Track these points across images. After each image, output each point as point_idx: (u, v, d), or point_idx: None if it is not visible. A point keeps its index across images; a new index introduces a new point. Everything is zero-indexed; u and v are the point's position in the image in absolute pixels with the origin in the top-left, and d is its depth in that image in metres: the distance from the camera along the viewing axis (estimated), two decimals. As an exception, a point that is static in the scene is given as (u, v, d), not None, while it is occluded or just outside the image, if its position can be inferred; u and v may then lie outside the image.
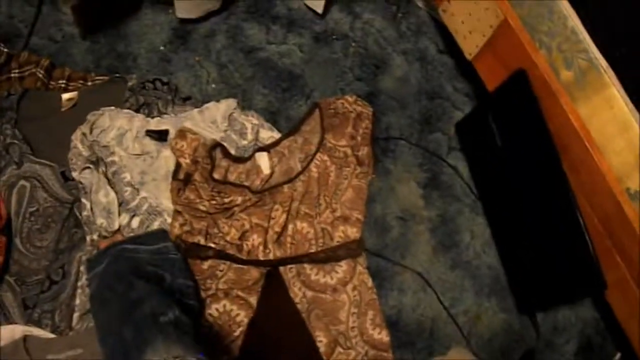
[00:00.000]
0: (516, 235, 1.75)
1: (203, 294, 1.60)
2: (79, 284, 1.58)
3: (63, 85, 1.84)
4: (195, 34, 1.97)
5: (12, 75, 1.83)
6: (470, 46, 1.74)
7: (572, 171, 1.50)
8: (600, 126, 1.42)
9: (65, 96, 1.77)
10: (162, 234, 1.60)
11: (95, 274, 1.48)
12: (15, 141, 1.70)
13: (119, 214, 1.64)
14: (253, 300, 1.61)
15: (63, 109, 1.77)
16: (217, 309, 1.60)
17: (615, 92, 1.37)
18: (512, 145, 1.68)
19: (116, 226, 1.62)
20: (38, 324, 1.57)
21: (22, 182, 1.67)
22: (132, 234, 1.62)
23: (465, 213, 1.83)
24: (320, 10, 1.96)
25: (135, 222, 1.64)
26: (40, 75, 1.82)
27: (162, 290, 1.42)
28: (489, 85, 1.72)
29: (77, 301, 1.57)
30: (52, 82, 1.84)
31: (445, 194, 1.84)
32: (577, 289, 1.62)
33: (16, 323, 1.57)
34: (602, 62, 1.39)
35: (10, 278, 1.62)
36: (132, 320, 1.30)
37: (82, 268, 1.58)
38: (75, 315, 1.56)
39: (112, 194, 1.65)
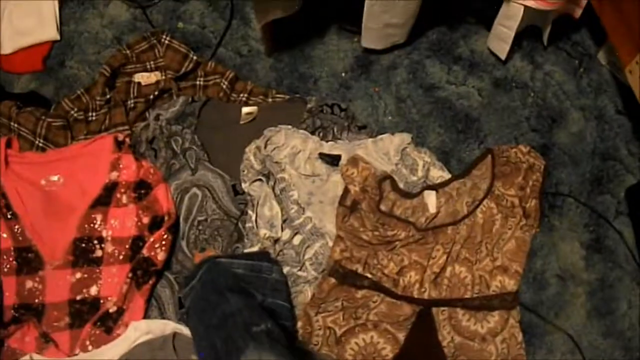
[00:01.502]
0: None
1: (352, 323, 1.62)
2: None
3: (244, 99, 1.90)
4: (377, 65, 2.01)
5: (197, 82, 1.92)
6: (653, 111, 1.70)
7: None
8: None
9: (245, 110, 1.83)
10: (261, 254, 1.63)
11: (191, 287, 1.52)
12: (194, 146, 1.76)
13: (282, 229, 1.67)
14: (401, 336, 1.61)
15: (242, 122, 1.83)
16: (364, 339, 1.61)
17: None
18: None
19: (279, 235, 1.66)
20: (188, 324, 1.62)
21: (195, 190, 1.74)
22: (291, 250, 1.66)
23: (625, 281, 1.78)
24: (503, 56, 1.96)
25: (296, 240, 1.68)
26: (224, 86, 1.89)
27: (255, 304, 1.44)
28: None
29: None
30: (234, 95, 1.91)
31: (608, 258, 1.80)
32: None
33: (169, 319, 1.62)
34: None
35: (170, 275, 1.68)
36: (225, 331, 1.32)
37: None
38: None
39: (277, 208, 1.69)
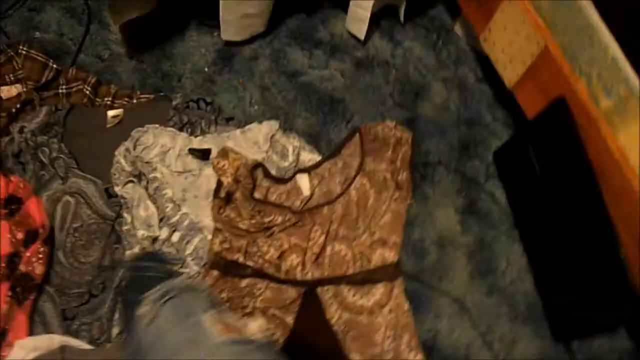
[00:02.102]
0: (553, 263, 1.75)
1: (240, 312, 1.61)
2: (119, 298, 1.60)
3: (109, 103, 1.88)
4: (239, 56, 2.01)
5: (60, 91, 1.88)
6: (510, 75, 1.75)
7: (612, 199, 1.49)
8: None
9: (111, 113, 1.81)
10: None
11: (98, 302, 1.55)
12: (61, 155, 1.73)
13: (160, 228, 1.66)
14: (289, 319, 1.62)
15: (108, 126, 1.80)
16: (253, 328, 1.61)
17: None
18: (550, 172, 1.68)
19: (157, 234, 1.65)
20: (76, 335, 1.60)
21: (67, 197, 1.71)
22: (171, 248, 1.65)
23: (502, 240, 1.83)
24: (362, 36, 1.98)
25: (175, 237, 1.67)
26: (87, 92, 1.86)
27: None
28: (528, 113, 1.73)
29: (117, 315, 1.59)
30: (98, 99, 1.88)
31: (482, 220, 1.85)
32: (615, 317, 1.62)
33: (55, 333, 1.59)
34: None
35: (50, 288, 1.64)
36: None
37: (122, 283, 1.60)
38: (114, 329, 1.59)
39: (152, 208, 1.68)
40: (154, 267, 1.54)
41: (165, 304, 1.20)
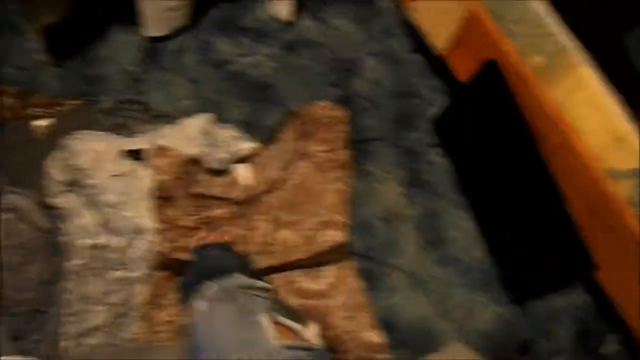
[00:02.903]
0: (502, 227, 1.75)
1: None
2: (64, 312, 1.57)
3: (37, 113, 1.83)
4: (165, 51, 1.97)
5: (-16, 107, 1.83)
6: (440, 41, 1.75)
7: (552, 156, 1.50)
8: (575, 108, 1.42)
9: (40, 123, 1.77)
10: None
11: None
12: (-7, 174, 1.69)
13: (99, 235, 1.63)
14: (243, 311, 1.60)
15: (39, 137, 1.76)
16: (208, 324, 1.58)
17: (587, 71, 1.36)
18: (489, 136, 1.68)
19: (98, 241, 1.61)
20: (30, 353, 1.56)
21: (4, 215, 1.66)
22: (114, 253, 1.62)
23: (449, 209, 1.83)
24: (286, 17, 1.96)
25: (117, 242, 1.63)
26: (12, 105, 1.81)
27: None
28: (461, 78, 1.72)
29: (63, 330, 1.56)
30: (25, 111, 1.83)
31: (428, 191, 1.84)
32: (567, 273, 1.62)
33: (7, 355, 1.56)
34: (571, 43, 1.39)
35: (-4, 310, 1.61)
36: None
37: (67, 296, 1.57)
38: (62, 343, 1.56)
39: (88, 216, 1.65)
40: (219, 256, 1.50)
41: (224, 301, 1.18)
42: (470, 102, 1.74)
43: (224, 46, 1.98)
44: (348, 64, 1.99)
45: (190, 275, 1.38)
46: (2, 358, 1.51)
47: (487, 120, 1.68)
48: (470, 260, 1.79)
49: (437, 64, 1.85)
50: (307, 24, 2.04)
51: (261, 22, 2.03)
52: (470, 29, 1.64)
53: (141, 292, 1.62)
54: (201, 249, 1.48)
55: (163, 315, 1.60)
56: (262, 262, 1.62)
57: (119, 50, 1.96)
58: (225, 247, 1.52)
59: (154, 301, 1.60)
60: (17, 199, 1.68)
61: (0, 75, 1.91)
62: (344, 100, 1.92)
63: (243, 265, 1.45)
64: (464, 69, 1.71)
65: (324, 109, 1.76)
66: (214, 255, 1.46)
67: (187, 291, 1.28)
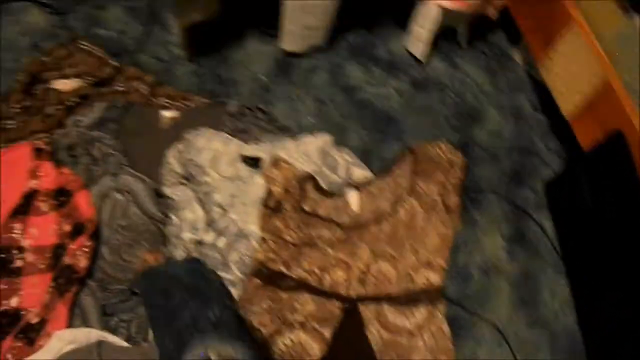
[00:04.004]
0: (598, 300, 1.73)
1: (279, 323, 1.61)
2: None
3: (165, 104, 1.88)
4: (297, 68, 2.02)
5: (117, 88, 1.90)
6: (568, 105, 1.74)
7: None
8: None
9: (166, 114, 1.82)
10: (193, 260, 1.60)
11: (139, 301, 1.53)
12: (114, 152, 1.74)
13: (206, 232, 1.67)
14: (328, 334, 1.61)
15: (163, 126, 1.81)
16: (291, 339, 1.60)
17: None
18: (603, 207, 1.66)
19: (203, 238, 1.65)
20: (114, 331, 1.59)
21: (116, 194, 1.71)
22: (215, 253, 1.65)
23: (547, 272, 1.82)
24: (420, 56, 1.98)
25: (221, 242, 1.67)
26: (144, 92, 1.88)
27: (201, 295, 1.43)
28: (584, 145, 1.71)
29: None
30: (155, 100, 1.89)
31: (529, 250, 1.84)
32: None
33: (93, 327, 1.60)
34: None
35: (92, 283, 1.65)
36: (173, 329, 1.31)
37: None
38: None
39: (200, 212, 1.68)
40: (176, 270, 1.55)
41: None
42: (589, 171, 1.73)
43: (355, 72, 2.02)
44: (472, 111, 2.00)
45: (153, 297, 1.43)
46: (87, 329, 1.56)
47: (604, 192, 1.67)
48: (560, 326, 1.77)
49: (560, 126, 1.84)
50: (438, 65, 2.06)
51: (394, 54, 2.06)
52: (601, 98, 1.63)
53: (233, 295, 1.64)
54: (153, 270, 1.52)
55: (248, 322, 1.62)
56: (357, 289, 1.63)
57: (253, 58, 2.02)
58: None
59: (241, 305, 1.62)
60: (133, 181, 1.73)
61: (137, 61, 1.98)
62: (463, 146, 1.92)
63: None
64: (588, 136, 1.70)
65: (443, 151, 1.77)
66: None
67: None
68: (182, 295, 1.36)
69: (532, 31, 1.84)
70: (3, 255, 1.60)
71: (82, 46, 1.91)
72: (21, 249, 1.61)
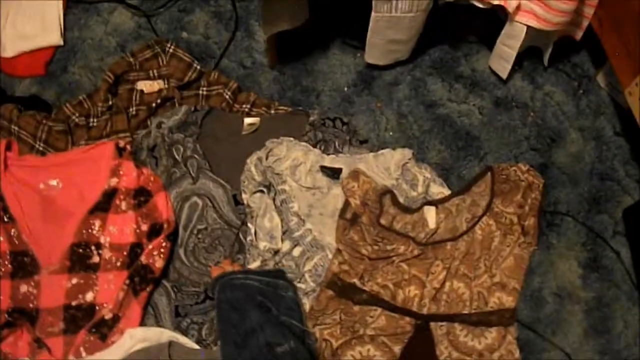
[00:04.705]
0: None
1: (349, 335, 1.62)
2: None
3: (247, 110, 1.91)
4: (379, 80, 2.02)
5: (200, 92, 1.92)
6: (653, 133, 1.72)
7: None
8: None
9: (248, 120, 1.83)
10: (277, 272, 1.62)
11: (212, 305, 1.56)
12: (195, 155, 1.77)
13: (282, 241, 1.68)
14: (397, 349, 1.61)
15: (244, 133, 1.83)
16: (360, 352, 1.61)
17: None
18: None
19: (279, 246, 1.66)
20: (185, 332, 1.63)
21: (195, 198, 1.74)
22: (290, 262, 1.66)
23: (621, 300, 1.79)
24: (504, 75, 1.97)
25: (296, 252, 1.69)
26: (227, 97, 1.90)
27: (275, 320, 1.44)
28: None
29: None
30: (237, 105, 1.92)
31: (604, 277, 1.81)
32: None
33: (165, 327, 1.62)
34: None
35: (167, 283, 1.68)
36: (248, 350, 1.32)
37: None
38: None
39: (277, 220, 1.70)
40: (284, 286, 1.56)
41: None
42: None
43: (437, 88, 2.02)
44: (552, 132, 1.98)
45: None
46: (159, 329, 1.58)
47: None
48: (632, 356, 1.74)
49: (642, 152, 1.82)
50: (520, 84, 2.04)
51: (477, 72, 2.05)
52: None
53: (305, 305, 1.65)
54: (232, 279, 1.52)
55: (319, 333, 1.62)
56: (430, 307, 1.63)
57: (336, 69, 2.03)
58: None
59: (313, 316, 1.63)
60: (212, 186, 1.75)
61: (220, 66, 2.00)
62: (542, 168, 1.91)
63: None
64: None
65: (523, 173, 1.75)
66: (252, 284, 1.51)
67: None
68: (258, 318, 1.38)
69: (618, 55, 1.81)
70: (81, 250, 1.64)
71: (167, 49, 1.93)
72: (99, 246, 1.66)
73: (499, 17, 1.91)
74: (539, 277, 1.78)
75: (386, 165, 1.76)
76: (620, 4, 1.75)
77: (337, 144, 1.82)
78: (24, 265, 1.63)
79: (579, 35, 1.91)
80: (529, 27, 1.80)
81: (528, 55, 2.04)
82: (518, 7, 1.78)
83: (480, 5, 1.80)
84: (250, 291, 1.48)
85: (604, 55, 1.86)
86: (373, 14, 1.79)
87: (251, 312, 1.40)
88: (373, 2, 1.76)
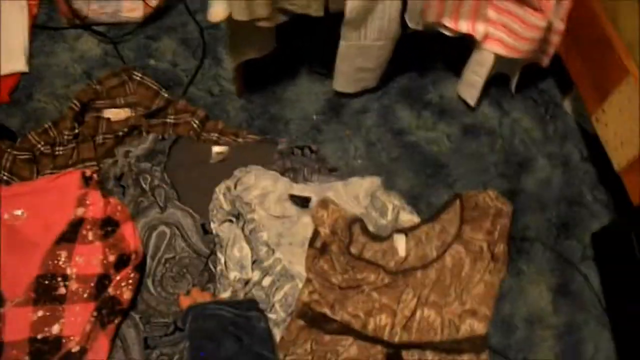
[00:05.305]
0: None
1: (321, 366, 1.61)
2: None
3: (215, 138, 1.91)
4: (348, 108, 2.03)
5: (168, 120, 1.92)
6: (620, 158, 1.73)
7: None
8: None
9: (216, 149, 1.83)
10: (249, 302, 1.61)
11: (181, 336, 1.55)
12: (163, 184, 1.76)
13: (252, 271, 1.67)
14: (370, 379, 1.61)
15: (212, 161, 1.83)
16: (333, 383, 1.60)
17: None
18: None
19: (249, 276, 1.65)
20: (154, 366, 1.60)
21: (163, 227, 1.73)
22: (260, 292, 1.65)
23: (591, 324, 1.80)
24: (473, 102, 1.99)
25: (266, 281, 1.67)
26: (195, 125, 1.90)
27: (248, 350, 1.43)
28: (634, 199, 1.70)
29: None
30: (205, 134, 1.91)
31: (574, 302, 1.82)
32: None
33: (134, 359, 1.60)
34: None
35: (135, 315, 1.66)
36: None
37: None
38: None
39: (247, 249, 1.69)
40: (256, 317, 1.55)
41: None
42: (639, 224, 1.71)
43: (405, 115, 2.03)
44: (520, 158, 2.00)
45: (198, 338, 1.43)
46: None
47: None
48: (602, 381, 1.76)
49: (608, 177, 1.83)
50: (488, 112, 2.07)
51: (445, 99, 2.07)
52: (655, 154, 1.62)
53: (276, 335, 1.64)
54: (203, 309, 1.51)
55: (287, 362, 1.62)
56: (402, 335, 1.62)
57: (304, 97, 2.04)
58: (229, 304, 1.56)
59: (283, 346, 1.62)
60: (180, 215, 1.74)
61: (188, 94, 2.00)
62: (511, 194, 1.92)
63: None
64: (639, 189, 1.69)
65: (491, 199, 1.76)
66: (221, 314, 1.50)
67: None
68: (233, 348, 1.37)
69: (584, 81, 1.83)
70: (47, 282, 1.62)
71: (134, 76, 1.93)
72: (65, 277, 1.64)
73: (466, 45, 1.92)
74: (510, 303, 1.79)
75: (355, 194, 1.76)
76: (585, 31, 1.77)
77: (305, 172, 1.82)
78: (-14, 297, 1.61)
79: (545, 62, 1.93)
80: (496, 54, 1.82)
81: (495, 82, 2.05)
82: (486, 35, 1.80)
83: (448, 34, 1.82)
84: (223, 321, 1.47)
85: (570, 81, 1.88)
86: (342, 42, 1.80)
87: (226, 342, 1.39)
88: (342, 30, 1.77)
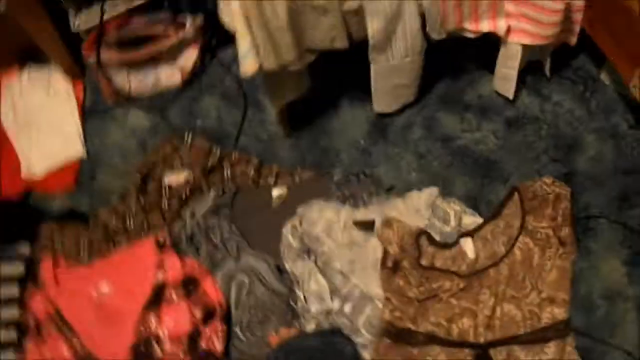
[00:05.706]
0: None
1: (414, 379, 1.64)
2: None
3: (272, 183, 1.96)
4: (392, 126, 2.08)
5: (225, 174, 1.98)
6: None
7: None
8: None
9: (276, 192, 1.89)
10: (333, 330, 1.68)
11: None
12: (232, 235, 1.82)
13: (332, 300, 1.72)
14: (463, 382, 1.64)
15: (274, 205, 1.88)
16: (429, 393, 1.64)
17: None
18: None
19: (330, 307, 1.70)
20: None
21: (240, 275, 1.79)
22: (344, 319, 1.69)
23: (672, 289, 1.80)
24: (510, 95, 2.01)
25: (347, 308, 1.72)
26: (251, 174, 1.96)
27: None
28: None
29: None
30: (262, 180, 1.97)
31: (649, 270, 1.82)
32: None
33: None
34: None
35: (231, 363, 1.72)
36: None
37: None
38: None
39: (323, 281, 1.74)
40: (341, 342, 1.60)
41: None
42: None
43: (448, 122, 2.07)
44: (569, 140, 2.02)
45: None
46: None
47: None
48: (691, 341, 1.76)
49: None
50: (528, 101, 2.08)
51: (484, 97, 2.10)
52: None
53: (366, 358, 1.68)
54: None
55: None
56: (486, 335, 1.65)
57: (349, 125, 2.09)
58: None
59: (374, 367, 1.66)
60: (254, 261, 1.80)
61: (238, 144, 2.06)
62: (566, 177, 1.95)
63: None
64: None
65: (548, 185, 1.77)
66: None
67: None
68: None
69: (614, 52, 1.83)
70: (142, 348, 1.68)
71: (185, 139, 2.00)
72: (158, 340, 1.69)
73: (493, 40, 1.93)
74: (585, 283, 1.81)
75: (416, 207, 1.80)
76: (605, 3, 1.78)
77: (364, 196, 1.87)
78: (91, 372, 1.68)
79: (573, 40, 1.93)
80: (523, 45, 1.83)
81: (530, 70, 2.07)
82: (509, 29, 1.82)
83: (472, 36, 1.84)
84: (310, 351, 1.52)
85: (602, 54, 1.88)
86: (372, 66, 1.85)
87: None
88: (369, 56, 1.81)
